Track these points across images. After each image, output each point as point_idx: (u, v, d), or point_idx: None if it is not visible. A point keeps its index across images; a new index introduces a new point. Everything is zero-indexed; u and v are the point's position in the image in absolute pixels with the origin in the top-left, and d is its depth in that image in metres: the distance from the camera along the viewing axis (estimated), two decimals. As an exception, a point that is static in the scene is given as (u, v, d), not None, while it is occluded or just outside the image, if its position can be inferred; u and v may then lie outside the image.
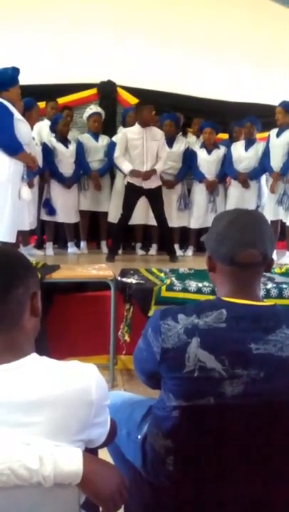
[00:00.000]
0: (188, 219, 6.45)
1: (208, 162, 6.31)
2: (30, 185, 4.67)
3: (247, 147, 6.17)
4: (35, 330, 1.32)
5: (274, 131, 5.90)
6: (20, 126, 4.29)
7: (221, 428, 1.43)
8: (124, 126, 6.39)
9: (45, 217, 6.08)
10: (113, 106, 7.15)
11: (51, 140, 6.02)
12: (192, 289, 3.40)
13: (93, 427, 1.26)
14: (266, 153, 5.95)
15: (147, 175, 5.59)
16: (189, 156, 6.31)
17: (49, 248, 6.11)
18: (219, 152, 6.33)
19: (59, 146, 6.01)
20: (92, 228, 6.49)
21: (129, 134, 5.62)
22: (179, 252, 6.24)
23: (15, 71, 4.23)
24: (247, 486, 1.44)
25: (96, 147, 6.23)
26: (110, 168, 6.36)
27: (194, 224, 6.40)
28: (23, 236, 5.49)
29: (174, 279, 3.64)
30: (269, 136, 5.97)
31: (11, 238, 4.26)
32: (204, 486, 1.45)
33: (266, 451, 1.44)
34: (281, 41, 7.12)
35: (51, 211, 6.03)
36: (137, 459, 1.67)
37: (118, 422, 1.51)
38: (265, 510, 1.48)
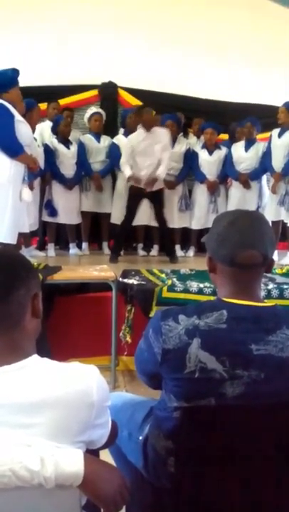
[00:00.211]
0: (190, 220, 6.46)
1: (209, 163, 6.31)
2: (32, 186, 4.67)
3: (247, 148, 6.17)
4: (36, 331, 1.33)
5: (276, 131, 5.89)
6: (21, 127, 4.29)
7: (222, 429, 1.43)
8: (124, 127, 6.39)
9: (46, 218, 6.08)
10: (114, 107, 7.15)
11: (53, 141, 6.03)
12: (193, 290, 3.41)
13: (94, 428, 1.26)
14: (268, 153, 5.94)
15: (148, 183, 5.61)
16: (190, 157, 6.31)
17: (51, 249, 6.11)
18: (220, 153, 6.33)
19: (60, 148, 6.02)
20: (94, 229, 6.50)
21: (134, 141, 5.65)
22: (180, 253, 6.25)
23: (15, 72, 4.22)
24: (248, 487, 1.44)
25: (98, 148, 6.23)
26: (112, 170, 6.37)
27: (195, 225, 6.40)
28: (25, 237, 5.49)
29: (175, 279, 3.64)
30: (271, 136, 5.97)
31: (12, 239, 4.26)
32: (205, 487, 1.45)
33: (267, 452, 1.44)
34: (281, 42, 7.11)
35: (53, 212, 6.03)
36: (139, 460, 1.67)
37: (119, 423, 1.51)
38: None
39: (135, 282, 3.65)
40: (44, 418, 1.16)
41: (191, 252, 6.46)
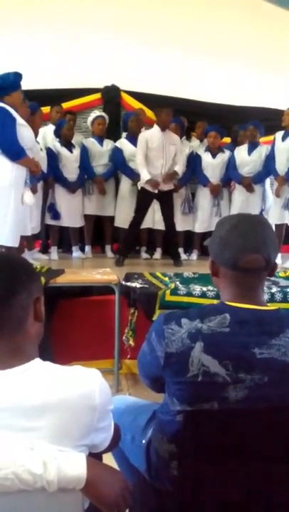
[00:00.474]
0: (193, 223, 6.46)
1: (212, 166, 6.32)
2: (34, 190, 4.68)
3: (250, 151, 6.16)
4: (38, 335, 1.33)
5: (280, 134, 5.89)
6: (23, 130, 4.30)
7: (225, 433, 1.42)
8: (126, 131, 6.40)
9: (49, 221, 6.09)
10: (117, 110, 7.15)
11: (55, 145, 6.04)
12: (196, 294, 3.40)
13: (97, 431, 1.26)
14: (271, 157, 5.94)
15: (169, 177, 5.67)
16: (194, 160, 6.32)
17: (54, 252, 6.11)
18: (224, 156, 6.33)
19: (63, 151, 6.03)
20: (97, 232, 6.50)
21: (149, 137, 5.66)
22: (183, 256, 6.24)
23: (17, 76, 4.24)
24: (251, 491, 1.43)
25: (101, 152, 6.24)
26: (115, 173, 6.38)
27: (199, 228, 6.40)
28: (28, 240, 5.50)
29: (178, 283, 3.63)
30: (274, 139, 5.96)
31: (14, 243, 4.26)
32: (208, 490, 1.45)
33: (270, 456, 1.44)
34: (284, 44, 7.12)
35: (56, 215, 6.04)
36: (141, 463, 1.67)
37: (122, 427, 1.52)
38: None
39: (138, 286, 3.65)
40: (46, 421, 1.17)
41: (194, 256, 6.45)
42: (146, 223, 6.04)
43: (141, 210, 5.75)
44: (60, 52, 6.77)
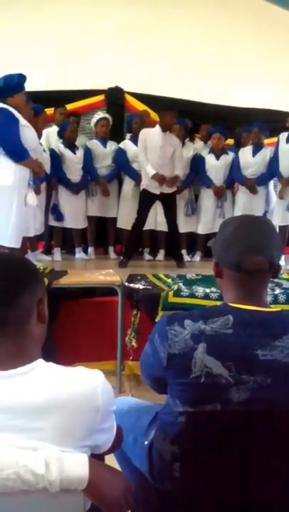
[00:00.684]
0: (196, 224, 6.46)
1: (216, 168, 6.31)
2: (37, 191, 4.68)
3: (254, 153, 6.16)
4: (41, 336, 1.33)
5: (284, 136, 5.88)
6: (26, 132, 4.30)
7: (228, 434, 1.42)
8: (130, 132, 6.40)
9: (53, 222, 6.10)
10: (121, 112, 7.15)
11: (59, 146, 6.04)
12: (199, 295, 3.40)
13: (99, 432, 1.26)
14: (275, 158, 5.93)
15: (172, 181, 5.66)
16: (197, 162, 6.32)
17: (57, 254, 6.12)
18: (227, 158, 6.33)
19: (67, 152, 6.03)
20: (100, 234, 6.50)
21: (148, 135, 5.64)
22: (186, 258, 6.23)
23: (21, 77, 4.24)
24: (253, 492, 1.43)
25: (104, 153, 6.24)
26: (118, 174, 6.38)
27: (202, 229, 6.40)
28: (31, 241, 5.51)
29: (181, 284, 3.63)
30: (278, 140, 5.95)
31: (16, 244, 4.27)
32: (210, 492, 1.45)
33: (272, 458, 1.44)
34: (287, 45, 7.12)
35: (59, 217, 6.04)
36: (144, 464, 1.67)
37: (125, 428, 1.51)
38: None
39: (141, 287, 3.65)
40: (49, 422, 1.16)
41: (197, 257, 6.45)
42: (149, 225, 6.04)
43: (143, 212, 5.74)
44: (64, 54, 6.78)
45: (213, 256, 1.62)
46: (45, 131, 5.97)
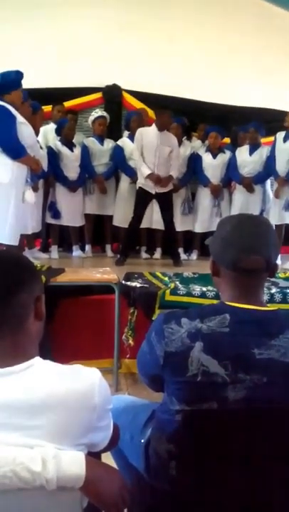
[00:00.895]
0: (193, 223, 6.46)
1: (213, 166, 6.31)
2: (35, 188, 4.68)
3: (251, 152, 6.16)
4: (39, 333, 1.33)
5: (280, 135, 5.88)
6: (23, 129, 4.30)
7: (224, 433, 1.43)
8: (128, 130, 6.40)
9: (50, 220, 6.09)
10: (118, 110, 7.15)
11: (56, 144, 6.04)
12: (196, 293, 3.41)
13: (96, 430, 1.26)
14: (272, 157, 5.94)
15: (165, 182, 5.66)
16: (194, 161, 6.32)
17: (54, 251, 6.12)
18: (224, 156, 6.33)
19: (64, 150, 6.03)
20: (97, 232, 6.50)
21: (145, 135, 5.64)
22: (183, 256, 6.24)
23: (18, 74, 4.24)
24: (249, 491, 1.43)
25: (101, 151, 6.24)
26: (115, 172, 6.38)
27: (199, 228, 6.41)
28: (28, 239, 5.51)
29: (178, 283, 3.64)
30: (275, 139, 5.95)
31: (14, 241, 4.27)
32: (207, 490, 1.45)
33: (269, 457, 1.44)
34: (286, 45, 7.12)
35: (56, 214, 6.04)
36: (140, 463, 1.67)
37: (121, 426, 1.51)
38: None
39: (138, 285, 3.65)
40: (46, 420, 1.17)
41: (194, 256, 6.45)
42: (145, 223, 6.03)
43: (139, 210, 5.75)
44: (62, 51, 6.76)
45: (210, 254, 1.62)
46: (42, 129, 5.97)
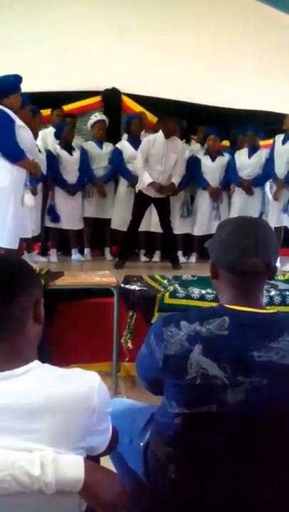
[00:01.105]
0: (192, 226, 6.46)
1: (212, 169, 6.32)
2: (34, 192, 4.68)
3: (250, 154, 6.17)
4: (37, 337, 1.33)
5: (280, 137, 5.89)
6: (22, 133, 4.31)
7: (223, 436, 1.42)
8: (128, 133, 6.41)
9: (49, 223, 6.09)
10: (117, 113, 7.16)
11: (55, 147, 6.04)
12: (195, 296, 3.40)
13: (95, 434, 1.26)
14: (270, 160, 5.94)
15: (167, 189, 5.68)
16: (193, 163, 6.32)
17: (53, 255, 6.11)
18: (223, 159, 6.34)
19: (63, 154, 6.03)
20: (96, 235, 6.50)
21: (152, 142, 5.64)
22: (182, 259, 6.24)
23: (17, 79, 4.25)
24: (249, 494, 1.43)
25: (100, 154, 6.24)
26: (114, 175, 6.38)
27: (198, 231, 6.41)
28: (27, 242, 5.50)
29: (177, 285, 3.63)
30: (274, 141, 5.96)
31: (14, 245, 4.26)
32: (206, 493, 1.45)
33: (268, 459, 1.44)
34: (284, 48, 7.14)
35: (55, 218, 6.04)
36: (139, 466, 1.66)
37: (120, 429, 1.51)
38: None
39: (137, 288, 3.65)
40: (45, 424, 1.16)
41: (193, 259, 6.45)
42: (143, 226, 6.04)
43: (138, 213, 5.76)
44: (61, 55, 6.78)
45: (209, 257, 1.62)
46: (41, 132, 5.98)
